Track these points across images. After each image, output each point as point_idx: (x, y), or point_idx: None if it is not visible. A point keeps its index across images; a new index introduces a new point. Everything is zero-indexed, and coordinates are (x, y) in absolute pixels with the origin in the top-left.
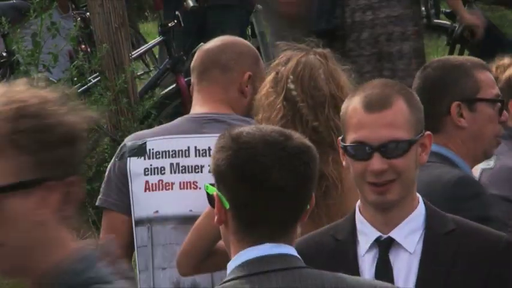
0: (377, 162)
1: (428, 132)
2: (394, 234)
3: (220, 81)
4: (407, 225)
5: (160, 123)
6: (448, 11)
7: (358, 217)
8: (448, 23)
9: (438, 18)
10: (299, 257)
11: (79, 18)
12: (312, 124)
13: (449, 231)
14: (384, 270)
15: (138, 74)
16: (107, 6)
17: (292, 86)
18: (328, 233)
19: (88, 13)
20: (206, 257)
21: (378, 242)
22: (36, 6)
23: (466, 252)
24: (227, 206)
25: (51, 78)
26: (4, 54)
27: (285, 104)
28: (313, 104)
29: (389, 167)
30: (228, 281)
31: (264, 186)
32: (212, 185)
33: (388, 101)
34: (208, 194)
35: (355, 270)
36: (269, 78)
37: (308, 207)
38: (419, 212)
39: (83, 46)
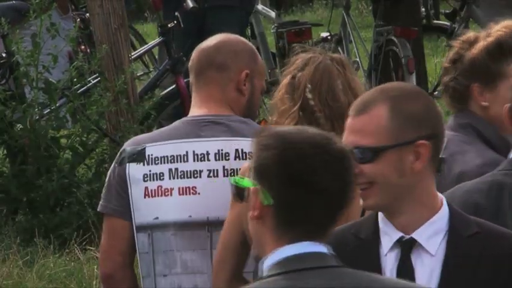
0: None
1: (422, 142)
2: (417, 235)
3: (217, 82)
4: (430, 226)
5: (160, 124)
6: (447, 11)
7: (381, 216)
8: (447, 23)
9: (438, 19)
10: (335, 255)
11: (78, 19)
12: None
13: (473, 234)
14: (405, 271)
15: (138, 74)
16: (106, 7)
17: (310, 96)
18: (349, 231)
19: (87, 14)
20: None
21: (400, 242)
22: (35, 7)
23: (490, 255)
24: (270, 202)
25: (50, 79)
26: (4, 55)
27: (301, 114)
28: (330, 115)
29: (360, 171)
30: (266, 277)
31: (309, 187)
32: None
33: (368, 106)
34: (238, 186)
35: (377, 270)
36: (285, 82)
37: (345, 210)
38: (443, 213)
39: (83, 47)
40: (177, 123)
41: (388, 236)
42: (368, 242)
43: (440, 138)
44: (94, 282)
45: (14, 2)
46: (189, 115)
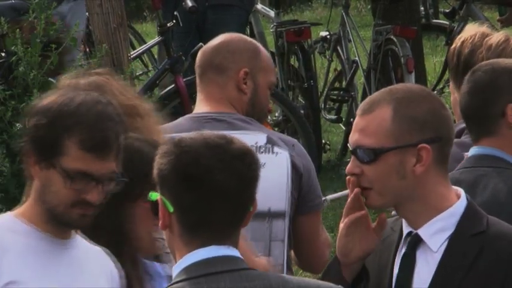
0: (350, 164)
1: (423, 145)
2: (421, 231)
3: (217, 83)
4: (436, 223)
5: None
6: (446, 11)
7: None
8: (446, 22)
9: (437, 18)
10: (243, 258)
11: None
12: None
13: (477, 233)
14: (406, 266)
15: (137, 74)
16: (105, 6)
17: None
18: (391, 224)
19: (87, 13)
20: None
21: (408, 237)
22: (35, 6)
23: (489, 255)
24: (171, 209)
25: (50, 79)
26: (3, 54)
27: None
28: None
29: (361, 172)
30: (175, 283)
31: (207, 187)
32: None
33: (372, 107)
34: (152, 202)
35: (391, 263)
36: None
37: (251, 209)
38: (454, 211)
39: (82, 46)
40: (180, 119)
41: (404, 231)
42: (395, 235)
43: (447, 141)
44: None
45: (13, 1)
46: (193, 112)
